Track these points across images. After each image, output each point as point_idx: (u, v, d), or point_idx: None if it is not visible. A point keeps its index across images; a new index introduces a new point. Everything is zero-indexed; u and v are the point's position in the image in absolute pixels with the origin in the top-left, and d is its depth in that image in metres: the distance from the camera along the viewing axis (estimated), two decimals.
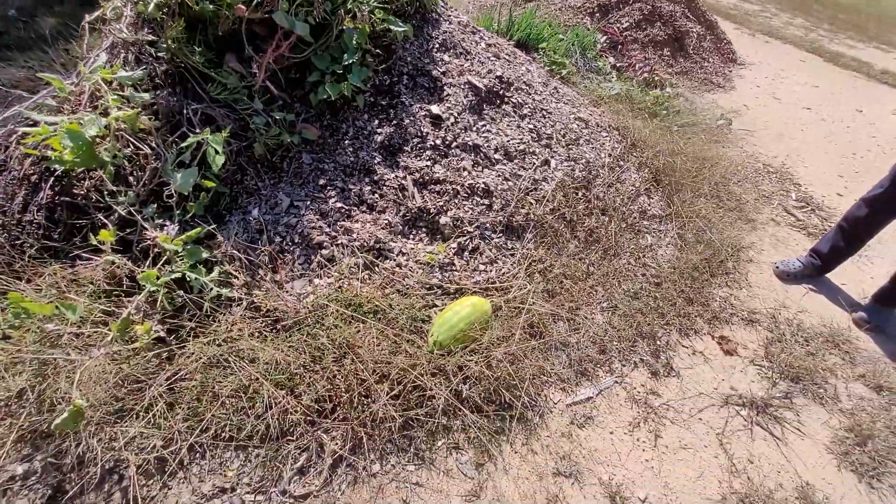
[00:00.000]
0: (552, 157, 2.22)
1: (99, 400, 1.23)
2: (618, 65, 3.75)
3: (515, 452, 1.43)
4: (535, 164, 2.13)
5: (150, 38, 1.78)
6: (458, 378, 1.44)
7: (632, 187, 2.37)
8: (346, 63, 1.88)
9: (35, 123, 1.68)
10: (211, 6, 1.68)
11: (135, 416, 1.25)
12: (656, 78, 3.64)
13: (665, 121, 3.08)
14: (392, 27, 1.96)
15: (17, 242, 1.59)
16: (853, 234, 2.11)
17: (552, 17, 4.17)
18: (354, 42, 1.87)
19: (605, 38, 3.98)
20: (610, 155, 2.42)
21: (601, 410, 1.57)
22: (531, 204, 2.00)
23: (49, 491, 1.18)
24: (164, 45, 1.75)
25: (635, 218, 2.27)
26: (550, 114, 2.38)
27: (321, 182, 1.83)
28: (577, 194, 2.17)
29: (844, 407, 1.70)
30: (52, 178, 1.68)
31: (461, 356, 1.50)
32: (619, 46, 4.06)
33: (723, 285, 2.11)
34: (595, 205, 2.19)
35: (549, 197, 2.06)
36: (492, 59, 2.35)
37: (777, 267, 2.25)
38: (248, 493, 1.26)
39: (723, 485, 1.42)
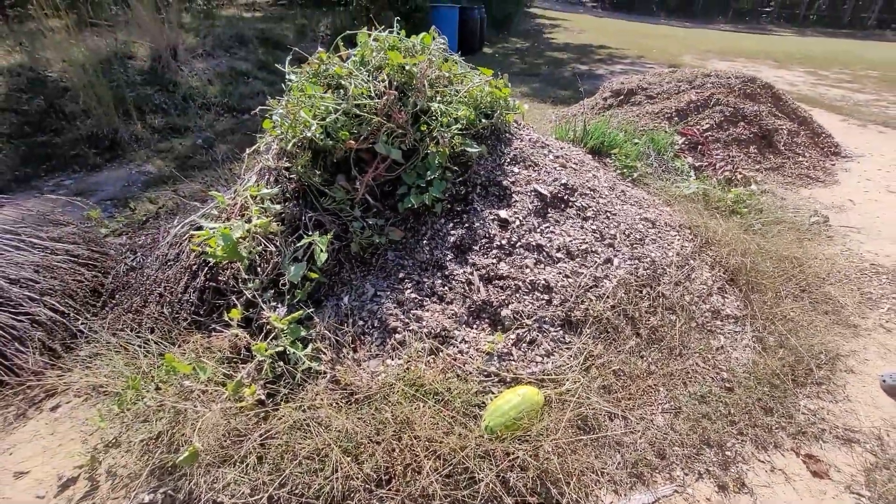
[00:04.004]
0: (615, 255, 2.33)
1: (210, 446, 1.54)
2: (696, 164, 3.81)
3: None
4: (596, 262, 2.27)
5: (286, 164, 2.37)
6: (504, 464, 1.52)
7: (703, 286, 2.35)
8: (429, 178, 2.29)
9: (201, 227, 2.28)
10: (331, 142, 2.22)
11: (233, 464, 1.54)
12: (739, 176, 3.62)
13: (746, 218, 3.02)
14: (468, 149, 2.36)
15: (176, 316, 2.11)
16: None
17: (629, 122, 4.45)
18: (437, 162, 2.29)
19: (683, 139, 4.11)
20: (678, 254, 2.46)
21: None
22: (591, 300, 2.11)
23: None
24: (295, 170, 2.31)
25: (706, 318, 2.23)
26: (615, 215, 2.54)
27: (401, 275, 2.15)
28: (640, 292, 2.22)
29: None
30: (206, 268, 2.23)
31: (509, 443, 1.58)
32: (700, 146, 4.14)
33: (812, 396, 1.93)
34: (660, 303, 2.21)
35: (610, 294, 2.15)
36: (558, 168, 2.63)
37: (884, 380, 2.00)
38: None
39: None
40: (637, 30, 17.62)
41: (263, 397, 1.79)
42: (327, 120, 2.18)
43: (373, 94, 2.23)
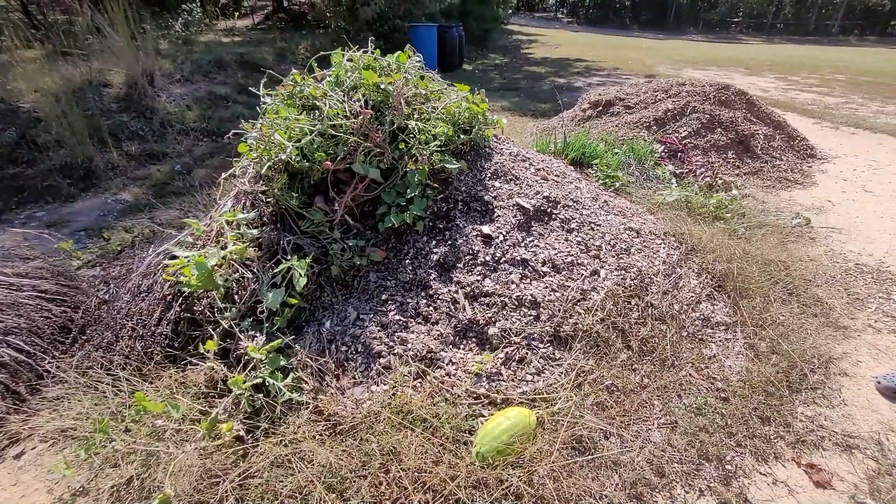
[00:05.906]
0: (601, 267, 2.30)
1: (184, 491, 1.44)
2: (677, 171, 3.84)
3: None
4: (583, 274, 2.23)
5: (263, 188, 2.31)
6: (498, 492, 1.45)
7: (691, 294, 2.33)
8: (409, 196, 2.25)
9: (175, 256, 2.20)
10: (307, 163, 2.17)
11: None
12: (720, 181, 3.65)
13: (729, 224, 3.03)
14: (447, 165, 2.33)
15: (149, 350, 2.01)
16: None
17: (609, 133, 4.48)
18: (416, 180, 2.25)
19: (662, 147, 4.15)
20: (664, 262, 2.44)
21: None
22: (579, 314, 2.07)
23: None
24: (272, 193, 2.25)
25: (696, 326, 2.20)
26: (599, 226, 2.52)
27: (384, 297, 2.09)
28: (629, 303, 2.19)
29: None
30: (181, 299, 2.14)
31: (502, 469, 1.51)
32: (679, 154, 4.18)
33: (808, 402, 1.90)
34: (649, 313, 2.18)
35: (599, 306, 2.11)
36: (540, 181, 2.61)
37: (879, 381, 1.98)
38: None
39: None
40: (611, 43, 18.05)
41: (243, 433, 1.70)
42: (303, 141, 2.13)
43: (348, 114, 2.19)
